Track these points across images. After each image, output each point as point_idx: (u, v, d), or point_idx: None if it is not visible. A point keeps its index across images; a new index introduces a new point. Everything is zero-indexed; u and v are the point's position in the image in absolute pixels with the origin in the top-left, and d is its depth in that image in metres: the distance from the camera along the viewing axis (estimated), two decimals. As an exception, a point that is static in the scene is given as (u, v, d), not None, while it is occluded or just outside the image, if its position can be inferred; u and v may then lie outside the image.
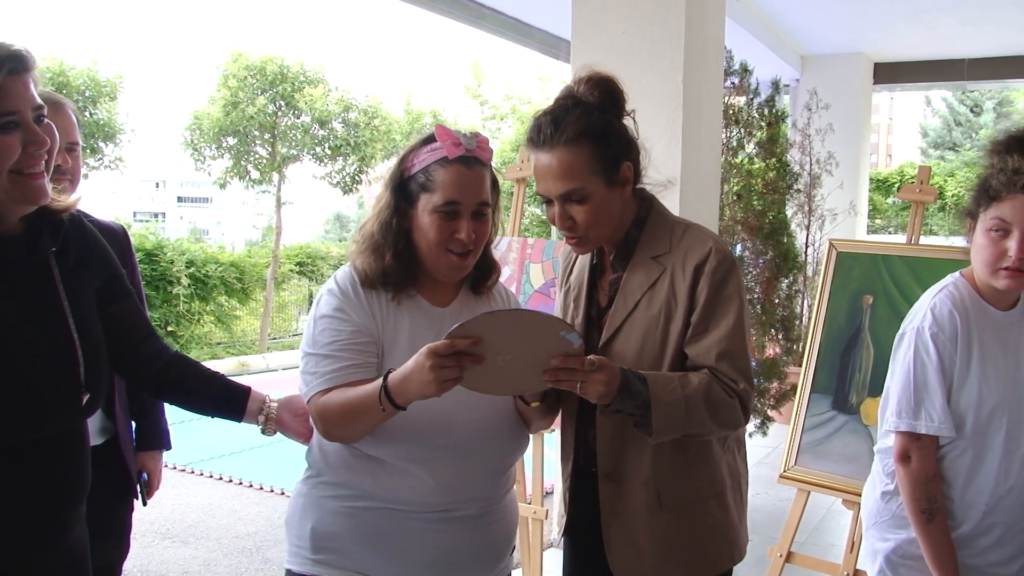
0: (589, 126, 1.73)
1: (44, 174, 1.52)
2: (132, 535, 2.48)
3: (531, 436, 2.03)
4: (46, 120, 1.52)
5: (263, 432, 1.91)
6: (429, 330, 1.75)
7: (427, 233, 1.73)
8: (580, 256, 1.97)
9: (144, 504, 2.51)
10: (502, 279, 2.00)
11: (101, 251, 1.73)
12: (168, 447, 2.59)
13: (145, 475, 2.51)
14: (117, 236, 2.36)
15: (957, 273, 2.04)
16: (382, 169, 15.63)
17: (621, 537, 1.82)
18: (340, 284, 1.78)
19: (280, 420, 1.89)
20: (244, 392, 1.89)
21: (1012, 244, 1.84)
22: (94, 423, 2.23)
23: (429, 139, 1.77)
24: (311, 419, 1.75)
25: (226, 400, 1.88)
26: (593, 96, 1.77)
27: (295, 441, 1.91)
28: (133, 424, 2.48)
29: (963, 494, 1.96)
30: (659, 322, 1.76)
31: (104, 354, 1.66)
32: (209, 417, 1.91)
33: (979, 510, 1.94)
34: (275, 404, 1.91)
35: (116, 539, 2.40)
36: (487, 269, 1.90)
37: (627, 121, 1.84)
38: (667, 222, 1.85)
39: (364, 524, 1.73)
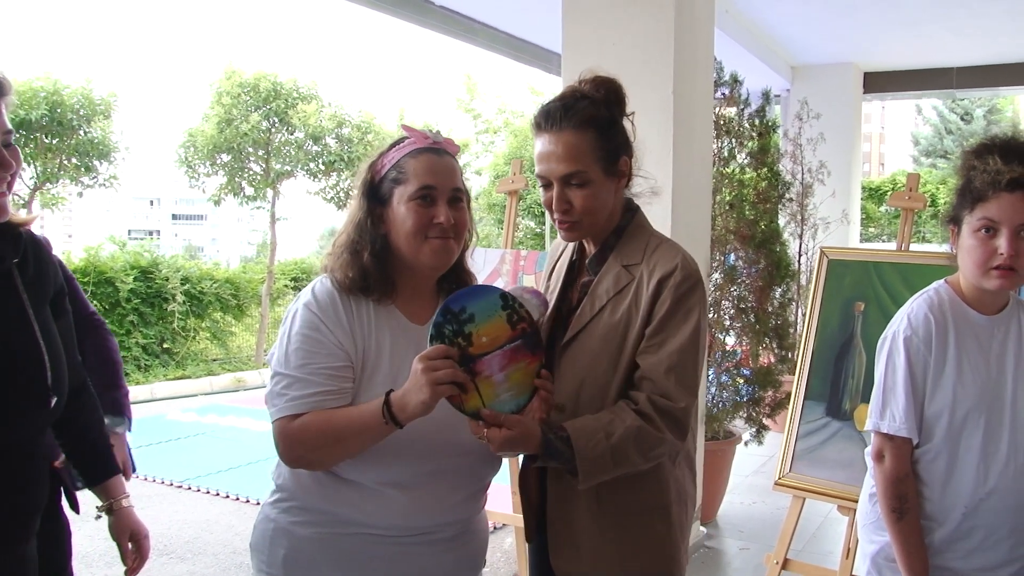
0: (596, 115, 1.80)
1: (6, 194, 1.58)
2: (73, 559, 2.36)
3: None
4: (12, 143, 1.59)
5: (96, 516, 2.00)
6: (409, 350, 1.71)
7: (404, 223, 1.70)
8: (563, 254, 2.01)
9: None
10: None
11: (52, 266, 1.80)
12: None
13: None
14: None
15: (942, 280, 2.06)
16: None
17: (563, 537, 1.85)
18: (318, 298, 1.72)
19: (114, 528, 1.98)
20: (106, 474, 1.98)
21: (1001, 242, 1.86)
22: None
23: (396, 141, 1.79)
24: (274, 441, 1.68)
25: (89, 470, 1.98)
26: (599, 93, 1.84)
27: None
28: None
29: (941, 496, 1.97)
30: (618, 330, 1.79)
31: (64, 360, 1.72)
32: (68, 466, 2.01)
33: (958, 512, 1.96)
34: (123, 508, 1.98)
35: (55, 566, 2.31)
36: (462, 281, 1.87)
37: (625, 123, 1.90)
38: (644, 233, 1.89)
39: (339, 550, 1.70)
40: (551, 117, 1.80)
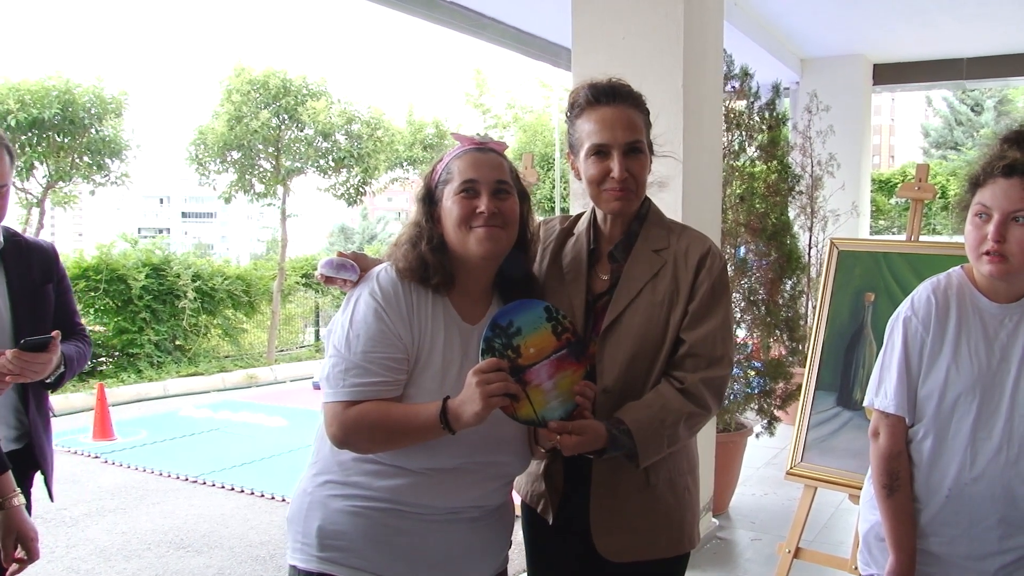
0: (642, 100, 2.02)
1: None
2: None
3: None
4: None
5: None
6: (458, 349, 1.80)
7: (451, 215, 1.79)
8: (571, 241, 2.07)
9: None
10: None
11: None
12: None
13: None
14: (46, 252, 2.50)
15: (959, 265, 2.06)
16: (385, 180, 15.69)
17: (610, 524, 1.93)
18: (382, 286, 1.79)
19: (1, 527, 1.91)
20: None
21: (990, 228, 1.86)
22: (9, 430, 2.26)
23: (449, 151, 1.89)
24: (323, 421, 1.77)
25: None
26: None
27: None
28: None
29: (927, 477, 1.99)
30: (663, 307, 1.93)
31: None
32: None
33: (942, 495, 1.96)
34: (13, 506, 1.93)
35: None
36: (531, 290, 1.94)
37: None
38: (664, 220, 2.06)
39: (371, 523, 1.77)
40: (613, 93, 1.95)
